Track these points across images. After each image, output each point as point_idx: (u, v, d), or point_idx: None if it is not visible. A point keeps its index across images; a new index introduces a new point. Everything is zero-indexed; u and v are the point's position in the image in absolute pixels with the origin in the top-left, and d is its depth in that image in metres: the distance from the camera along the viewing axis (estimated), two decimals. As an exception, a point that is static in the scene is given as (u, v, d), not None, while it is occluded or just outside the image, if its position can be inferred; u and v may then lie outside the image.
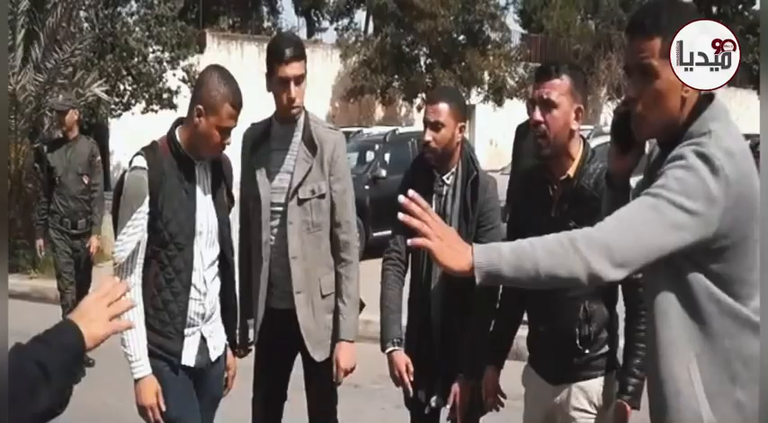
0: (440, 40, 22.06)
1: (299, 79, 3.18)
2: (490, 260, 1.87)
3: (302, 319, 3.25)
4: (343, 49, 23.72)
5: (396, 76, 22.84)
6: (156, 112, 15.90)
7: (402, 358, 3.14)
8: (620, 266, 1.87)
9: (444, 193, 3.20)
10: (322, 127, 3.38)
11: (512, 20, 27.57)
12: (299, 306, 3.23)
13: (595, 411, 2.76)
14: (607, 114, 24.40)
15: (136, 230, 2.81)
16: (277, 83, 3.20)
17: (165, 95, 15.92)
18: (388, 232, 3.41)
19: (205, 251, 2.94)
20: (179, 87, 16.05)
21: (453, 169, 3.21)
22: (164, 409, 2.82)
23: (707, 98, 2.01)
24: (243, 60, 21.39)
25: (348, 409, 3.58)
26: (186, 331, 2.90)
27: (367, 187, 10.72)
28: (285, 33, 3.60)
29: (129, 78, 15.40)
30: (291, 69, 3.16)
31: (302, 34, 31.27)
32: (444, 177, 3.22)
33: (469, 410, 3.15)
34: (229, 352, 3.17)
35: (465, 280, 2.42)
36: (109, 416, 4.78)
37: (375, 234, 9.93)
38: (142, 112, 15.91)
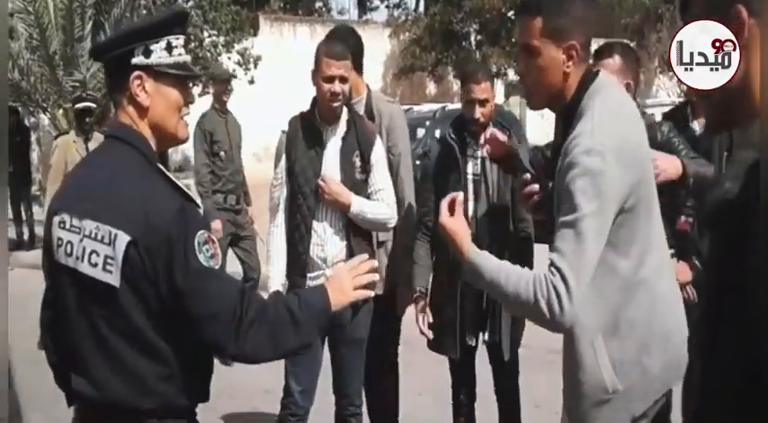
0: (488, 16, 22.10)
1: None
2: (479, 253, 2.14)
3: None
4: (393, 27, 23.94)
5: (445, 54, 22.98)
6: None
7: (421, 304, 3.64)
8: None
9: (482, 155, 3.57)
10: (382, 100, 3.92)
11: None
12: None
13: None
14: (658, 86, 24.17)
15: (278, 182, 3.45)
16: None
17: (220, 78, 16.37)
18: None
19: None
20: (234, 70, 16.46)
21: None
22: None
23: (592, 74, 2.19)
24: (295, 41, 21.77)
25: (400, 363, 4.05)
26: (311, 274, 3.41)
27: (417, 162, 11.03)
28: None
29: (187, 62, 15.83)
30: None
31: (353, 14, 31.56)
32: (480, 143, 3.58)
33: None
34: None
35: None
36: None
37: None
38: (199, 95, 16.36)
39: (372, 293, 2.20)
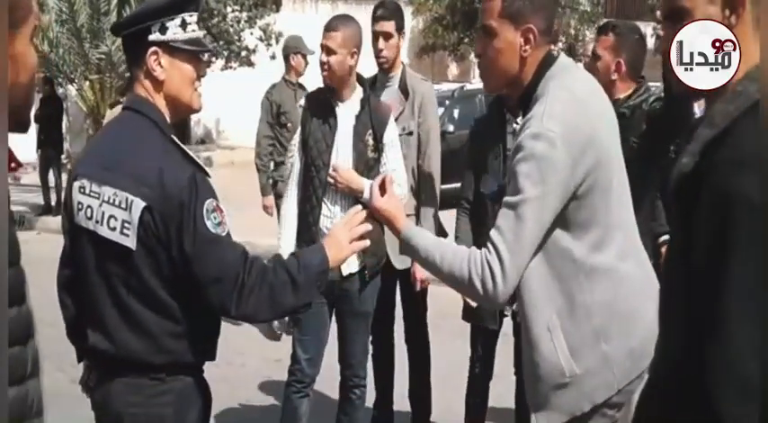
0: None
1: (387, 36, 3.87)
2: (414, 231, 2.23)
3: (387, 232, 3.67)
4: (415, 6, 23.89)
5: (467, 33, 22.92)
6: (235, 69, 16.45)
7: None
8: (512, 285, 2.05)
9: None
10: (416, 78, 4.15)
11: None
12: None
13: None
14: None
15: (293, 154, 3.62)
16: (372, 36, 3.98)
17: (243, 53, 16.47)
18: (456, 185, 3.94)
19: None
20: (256, 46, 16.57)
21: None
22: None
23: (551, 58, 2.17)
24: (317, 17, 21.82)
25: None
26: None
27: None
28: None
29: (209, 37, 15.96)
30: (379, 26, 3.95)
31: (376, -10, 31.35)
32: (518, 119, 3.67)
33: None
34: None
35: None
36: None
37: (443, 186, 10.64)
38: (221, 70, 16.49)
39: (368, 243, 2.33)
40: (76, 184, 2.15)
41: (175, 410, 2.14)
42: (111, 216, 2.05)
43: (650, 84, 3.61)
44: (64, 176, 11.54)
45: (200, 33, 2.23)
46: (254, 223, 7.03)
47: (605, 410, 2.14)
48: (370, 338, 3.98)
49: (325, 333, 3.71)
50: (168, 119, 2.20)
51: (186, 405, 2.17)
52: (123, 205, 2.03)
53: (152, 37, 2.12)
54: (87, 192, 2.11)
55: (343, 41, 3.51)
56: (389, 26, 3.98)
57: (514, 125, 3.69)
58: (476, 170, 3.79)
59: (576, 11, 23.22)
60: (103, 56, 10.40)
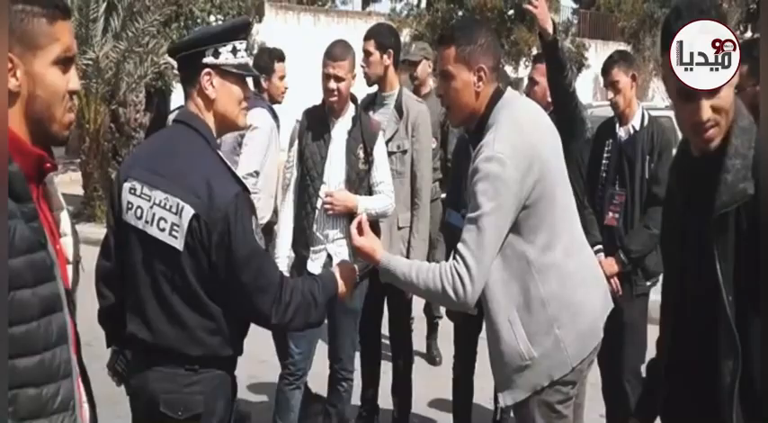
0: (489, 15, 22.38)
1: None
2: (390, 259, 2.55)
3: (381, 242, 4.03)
4: (395, 23, 24.20)
5: (445, 49, 23.18)
6: (216, 78, 16.57)
7: None
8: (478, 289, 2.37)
9: None
10: (412, 99, 4.37)
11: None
12: (382, 232, 4.02)
13: None
14: (654, 89, 24.52)
15: (290, 165, 3.84)
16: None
17: (225, 62, 16.59)
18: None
19: (334, 187, 3.79)
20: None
21: None
22: None
23: (500, 92, 2.54)
24: (299, 29, 22.04)
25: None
26: (314, 247, 3.81)
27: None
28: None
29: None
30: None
31: (357, 5, 31.72)
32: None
33: None
34: None
35: None
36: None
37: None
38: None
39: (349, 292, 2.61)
40: (127, 185, 2.32)
41: (205, 399, 2.31)
42: (161, 218, 2.23)
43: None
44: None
45: (249, 59, 2.44)
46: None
47: (560, 387, 2.47)
48: (359, 337, 4.20)
49: (317, 331, 3.90)
50: (214, 134, 2.39)
51: (215, 395, 2.34)
52: (174, 210, 2.21)
53: (206, 60, 2.33)
54: (138, 193, 2.28)
55: (350, 68, 3.79)
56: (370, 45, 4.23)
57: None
58: (452, 183, 4.19)
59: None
60: (90, 62, 10.51)
